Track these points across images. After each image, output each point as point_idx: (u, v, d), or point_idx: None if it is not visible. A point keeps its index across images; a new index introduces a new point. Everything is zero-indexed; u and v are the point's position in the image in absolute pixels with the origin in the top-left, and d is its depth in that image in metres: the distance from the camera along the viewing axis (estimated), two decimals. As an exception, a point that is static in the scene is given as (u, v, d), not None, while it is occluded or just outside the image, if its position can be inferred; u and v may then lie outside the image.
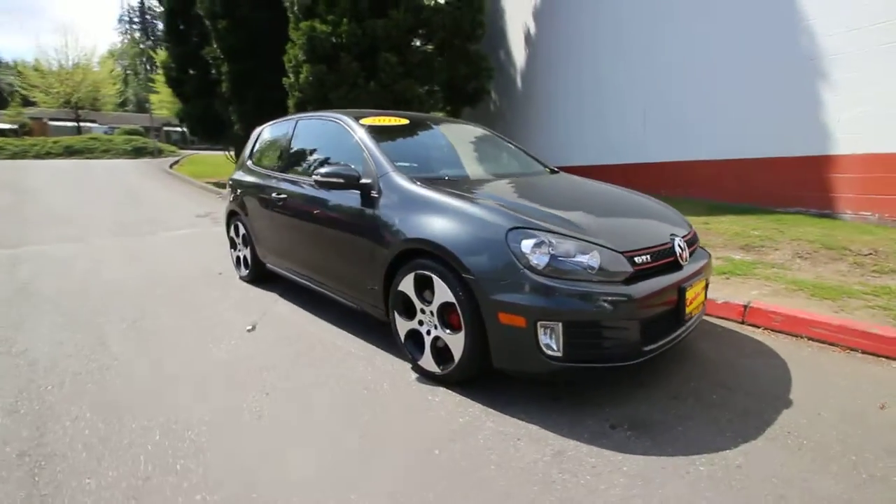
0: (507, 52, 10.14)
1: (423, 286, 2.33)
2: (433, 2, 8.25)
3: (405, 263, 2.39)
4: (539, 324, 1.95)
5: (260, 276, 4.08)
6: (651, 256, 2.17)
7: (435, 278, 2.23)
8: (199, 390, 2.35)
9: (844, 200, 5.07)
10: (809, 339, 2.77)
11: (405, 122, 3.22)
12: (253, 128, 4.43)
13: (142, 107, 42.60)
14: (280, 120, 4.09)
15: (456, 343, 2.20)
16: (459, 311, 2.14)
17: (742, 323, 3.05)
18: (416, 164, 2.84)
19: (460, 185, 2.63)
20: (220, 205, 9.23)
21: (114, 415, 2.13)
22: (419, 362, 2.41)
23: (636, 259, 2.11)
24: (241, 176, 4.20)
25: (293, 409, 2.18)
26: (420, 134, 3.37)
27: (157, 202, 9.83)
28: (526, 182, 3.07)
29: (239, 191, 4.13)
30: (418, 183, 2.53)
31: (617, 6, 7.52)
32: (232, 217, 4.31)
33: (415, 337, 2.45)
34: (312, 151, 3.45)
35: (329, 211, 2.93)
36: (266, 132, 4.20)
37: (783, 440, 1.89)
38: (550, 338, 1.96)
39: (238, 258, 4.31)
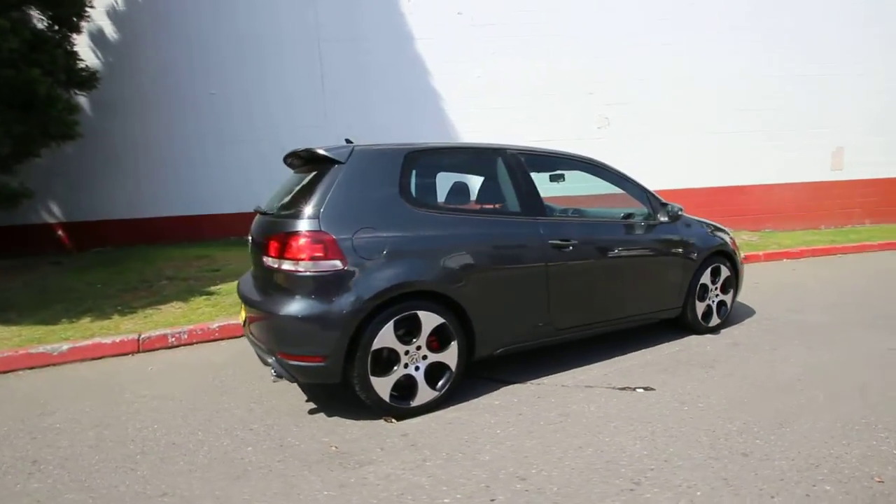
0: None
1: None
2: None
3: (702, 263, 3.61)
4: None
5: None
6: None
7: (723, 266, 3.72)
8: None
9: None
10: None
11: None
12: None
13: None
14: (443, 145, 3.30)
15: (730, 299, 3.81)
16: (733, 278, 3.80)
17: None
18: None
19: None
20: None
21: None
22: (710, 324, 3.69)
23: None
24: (396, 230, 2.47)
25: None
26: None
27: None
28: None
29: (417, 253, 2.46)
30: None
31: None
32: (389, 309, 2.37)
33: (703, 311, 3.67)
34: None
35: (649, 243, 3.41)
36: (423, 161, 2.84)
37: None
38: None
39: (396, 382, 2.46)
